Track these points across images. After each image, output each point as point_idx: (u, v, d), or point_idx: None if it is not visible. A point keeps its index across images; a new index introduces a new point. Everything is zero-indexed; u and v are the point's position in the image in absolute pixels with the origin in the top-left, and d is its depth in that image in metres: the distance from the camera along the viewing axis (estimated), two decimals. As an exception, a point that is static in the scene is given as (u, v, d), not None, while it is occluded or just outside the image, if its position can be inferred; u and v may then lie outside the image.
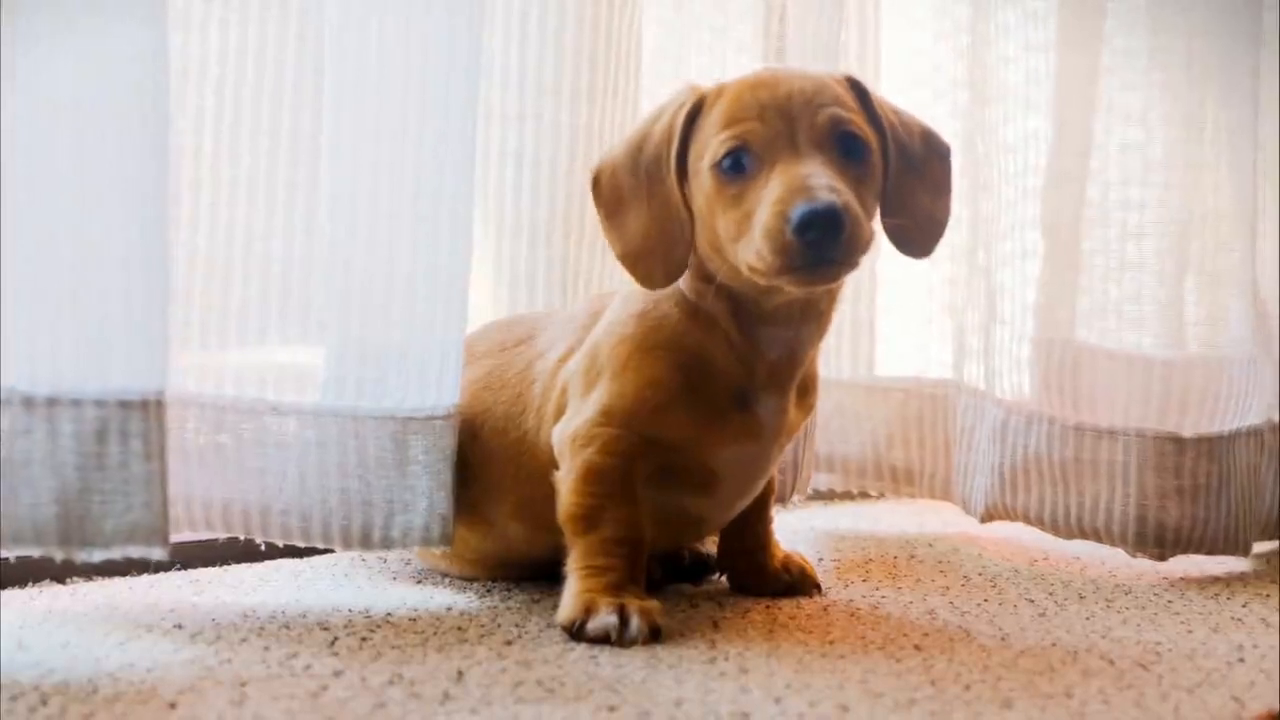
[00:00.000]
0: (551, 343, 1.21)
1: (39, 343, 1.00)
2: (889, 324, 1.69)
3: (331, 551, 1.33)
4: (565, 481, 1.14)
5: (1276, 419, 1.52)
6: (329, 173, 1.17)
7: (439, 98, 1.16)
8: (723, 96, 1.10)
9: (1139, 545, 1.43)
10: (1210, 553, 1.44)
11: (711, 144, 1.08)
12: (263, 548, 1.24)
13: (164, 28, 1.04)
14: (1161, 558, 1.44)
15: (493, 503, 1.21)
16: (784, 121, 1.07)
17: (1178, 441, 1.42)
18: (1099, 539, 1.45)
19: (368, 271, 1.17)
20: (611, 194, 1.14)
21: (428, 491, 1.18)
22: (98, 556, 1.01)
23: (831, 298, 1.16)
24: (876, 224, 1.12)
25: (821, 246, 1.02)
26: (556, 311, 1.32)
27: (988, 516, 1.51)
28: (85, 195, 1.01)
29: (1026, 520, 1.48)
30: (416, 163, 1.16)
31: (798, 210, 1.01)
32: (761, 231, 1.03)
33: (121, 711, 0.88)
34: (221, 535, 1.20)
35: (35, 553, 1.01)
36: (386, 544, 1.18)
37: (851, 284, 1.62)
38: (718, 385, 1.13)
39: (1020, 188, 1.51)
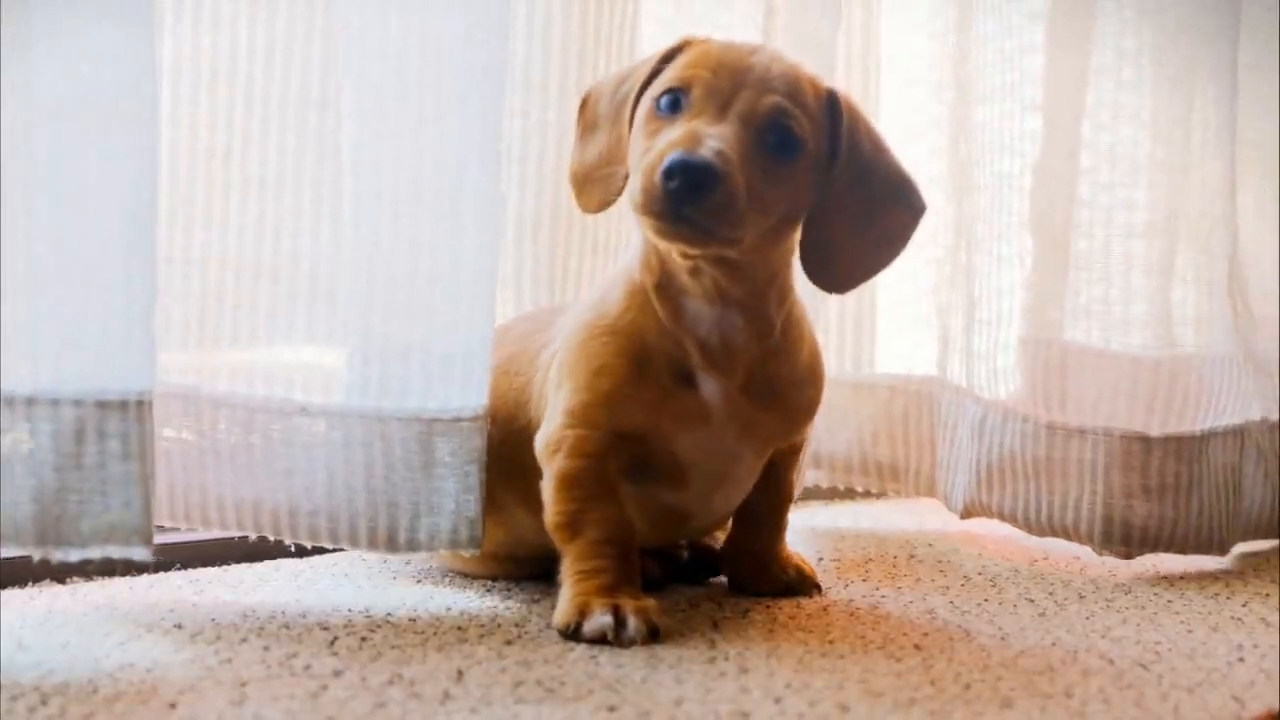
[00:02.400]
0: (556, 334, 1.22)
1: (18, 342, 1.00)
2: (882, 322, 1.69)
3: (336, 551, 1.33)
4: (546, 490, 1.14)
5: (1273, 419, 1.53)
6: (352, 170, 1.17)
7: (461, 95, 1.16)
8: (699, 45, 1.12)
9: (1105, 543, 1.43)
10: (1182, 552, 1.44)
11: (661, 80, 1.10)
12: (292, 548, 1.24)
13: (150, 27, 1.03)
14: (1128, 556, 1.44)
15: (503, 488, 1.21)
16: (731, 85, 1.08)
17: (1145, 441, 1.42)
18: (1068, 537, 1.45)
19: (392, 270, 1.17)
20: (591, 116, 1.18)
21: (454, 494, 1.18)
22: (74, 556, 1.01)
23: (748, 288, 1.13)
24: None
25: (680, 199, 1.02)
26: (573, 303, 1.32)
27: (967, 513, 1.51)
28: (67, 195, 1.01)
29: (1001, 517, 1.49)
30: (439, 161, 1.16)
31: (671, 156, 1.02)
32: (642, 168, 1.05)
33: (121, 711, 0.88)
34: (253, 535, 1.20)
35: (12, 551, 1.02)
36: (413, 546, 1.19)
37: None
38: (658, 364, 1.13)
39: (1007, 188, 1.50)
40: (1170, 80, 1.46)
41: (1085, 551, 1.50)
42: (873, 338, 1.66)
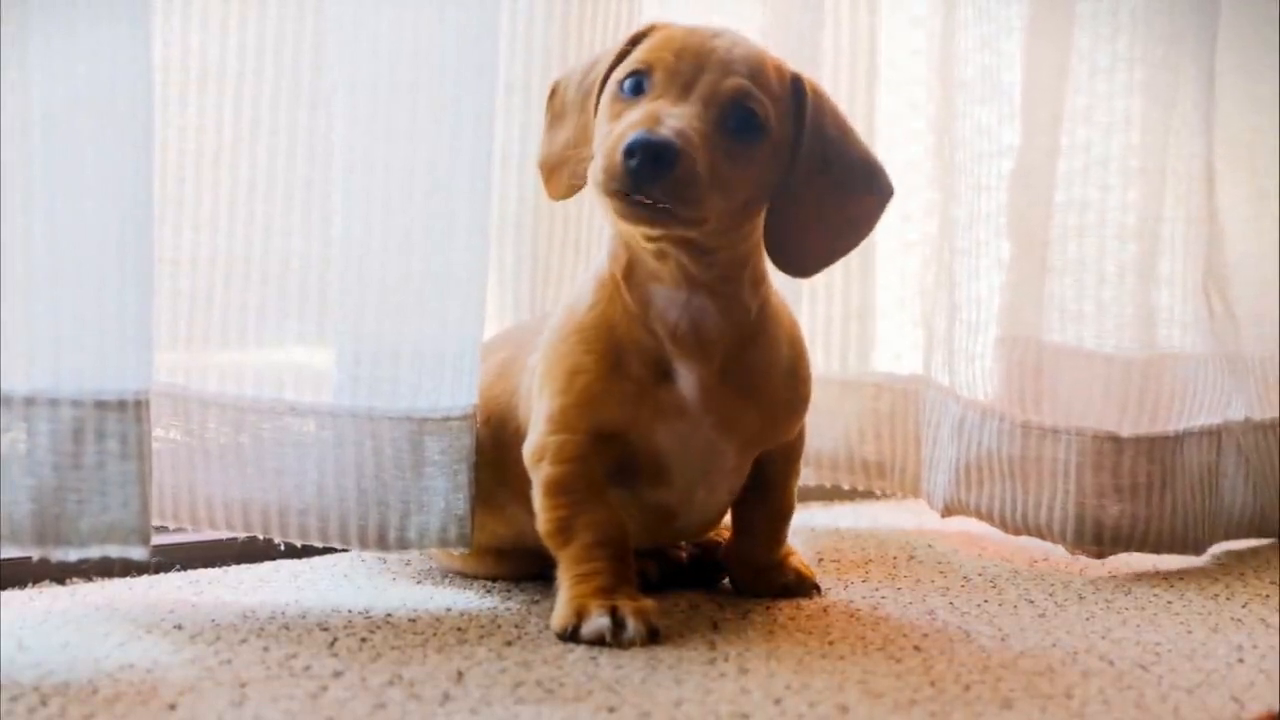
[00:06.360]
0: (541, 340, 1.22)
1: (16, 342, 1.00)
2: (881, 322, 1.68)
3: (334, 551, 1.33)
4: (536, 498, 1.14)
5: (1256, 418, 1.53)
6: (343, 171, 1.18)
7: (453, 95, 1.16)
8: (663, 30, 1.12)
9: (1077, 542, 1.43)
10: (1155, 551, 1.44)
11: (625, 63, 1.11)
12: (282, 546, 1.24)
13: (147, 27, 1.04)
14: (1100, 555, 1.44)
15: (500, 489, 1.22)
16: (693, 67, 1.08)
17: (1116, 440, 1.43)
18: (1042, 536, 1.45)
19: (383, 270, 1.17)
20: (559, 105, 1.18)
21: (444, 493, 1.18)
22: (74, 556, 1.02)
23: (717, 273, 1.12)
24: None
25: (641, 177, 1.02)
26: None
27: (947, 512, 1.51)
28: (65, 195, 1.01)
29: (979, 516, 1.49)
30: (430, 161, 1.17)
31: (631, 135, 1.02)
32: (604, 149, 1.05)
33: (121, 712, 0.88)
34: (242, 535, 1.21)
35: (11, 551, 1.02)
36: (403, 545, 1.19)
37: (822, 281, 1.61)
38: (631, 356, 1.13)
39: (999, 190, 1.50)
40: (1150, 83, 1.47)
41: (1084, 552, 1.50)
42: (870, 337, 1.66)
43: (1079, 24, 1.49)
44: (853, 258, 1.57)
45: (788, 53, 1.42)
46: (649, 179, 1.02)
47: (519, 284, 1.43)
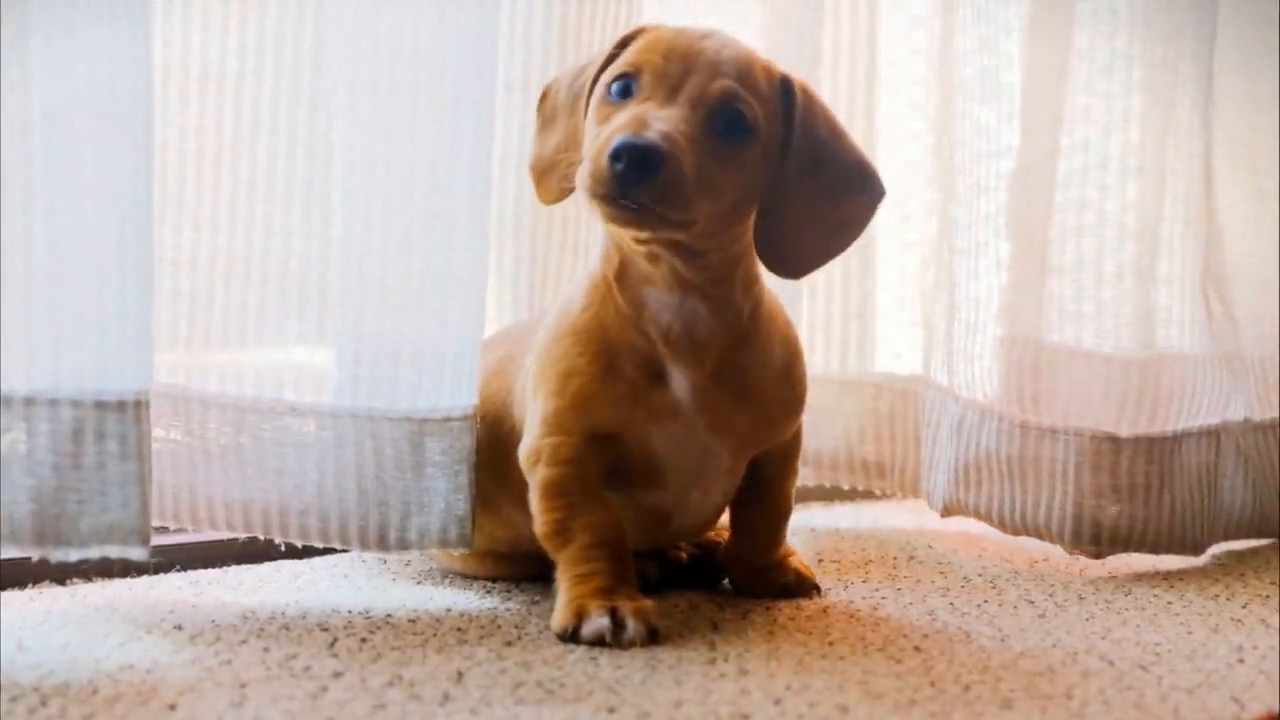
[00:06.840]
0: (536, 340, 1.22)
1: (16, 342, 1.00)
2: (882, 322, 1.69)
3: (334, 552, 1.33)
4: (532, 501, 1.14)
5: (1256, 419, 1.53)
6: (343, 171, 1.18)
7: (453, 95, 1.17)
8: (651, 31, 1.12)
9: (1075, 542, 1.44)
10: (1154, 551, 1.45)
11: (614, 66, 1.10)
12: (283, 547, 1.24)
13: (147, 27, 1.04)
14: (1098, 555, 1.45)
15: (496, 488, 1.22)
16: (681, 69, 1.08)
17: (1114, 441, 1.43)
18: (1040, 536, 1.46)
19: (383, 270, 1.17)
20: (550, 108, 1.18)
21: (444, 493, 1.19)
22: (74, 556, 1.02)
23: (709, 275, 1.12)
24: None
25: (627, 181, 1.02)
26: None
27: (946, 511, 1.52)
28: (65, 195, 1.01)
29: (978, 516, 1.49)
30: (430, 161, 1.17)
31: (617, 139, 1.02)
32: (591, 153, 1.05)
33: (121, 712, 0.88)
34: (242, 535, 1.21)
35: (11, 551, 1.02)
36: (404, 545, 1.19)
37: (822, 280, 1.62)
38: (624, 358, 1.13)
39: (999, 190, 1.50)
40: (1149, 82, 1.47)
41: (1085, 552, 1.50)
42: (870, 336, 1.66)
43: (1078, 24, 1.49)
44: (852, 257, 1.58)
45: (787, 53, 1.42)
46: (635, 183, 1.02)
47: (518, 284, 1.43)
